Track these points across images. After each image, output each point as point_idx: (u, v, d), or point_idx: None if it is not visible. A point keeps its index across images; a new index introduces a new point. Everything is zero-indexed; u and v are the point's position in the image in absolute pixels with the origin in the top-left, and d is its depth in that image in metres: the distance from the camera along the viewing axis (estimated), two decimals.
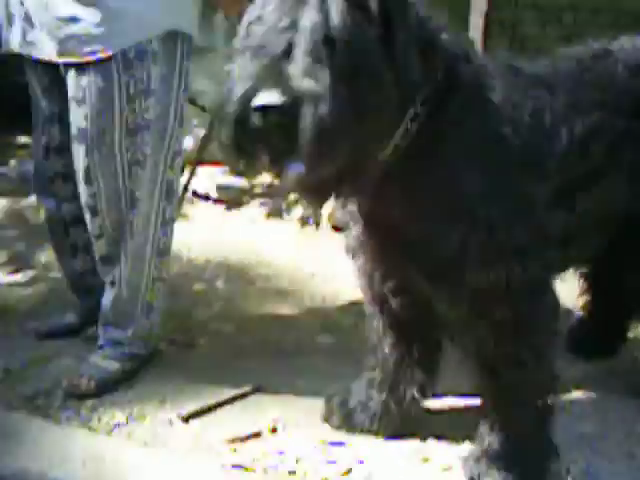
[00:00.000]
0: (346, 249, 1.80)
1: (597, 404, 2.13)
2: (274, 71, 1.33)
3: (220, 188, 3.63)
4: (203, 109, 4.30)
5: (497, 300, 1.64)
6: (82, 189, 2.09)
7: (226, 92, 1.39)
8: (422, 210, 1.59)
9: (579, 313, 2.45)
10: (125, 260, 2.13)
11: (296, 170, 1.34)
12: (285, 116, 1.30)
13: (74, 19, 1.91)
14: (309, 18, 1.35)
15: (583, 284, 2.34)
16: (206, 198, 3.63)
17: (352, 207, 1.68)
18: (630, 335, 2.36)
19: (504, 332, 1.67)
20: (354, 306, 2.23)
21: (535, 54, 1.86)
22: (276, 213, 3.50)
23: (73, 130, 2.03)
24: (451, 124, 1.56)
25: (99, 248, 2.16)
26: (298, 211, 3.40)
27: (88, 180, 2.06)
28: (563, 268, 1.88)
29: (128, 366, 2.19)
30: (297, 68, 1.32)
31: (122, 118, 1.98)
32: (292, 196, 3.42)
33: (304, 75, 1.31)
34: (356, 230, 1.71)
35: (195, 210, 3.58)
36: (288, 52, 1.34)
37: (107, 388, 2.13)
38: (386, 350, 1.94)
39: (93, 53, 1.93)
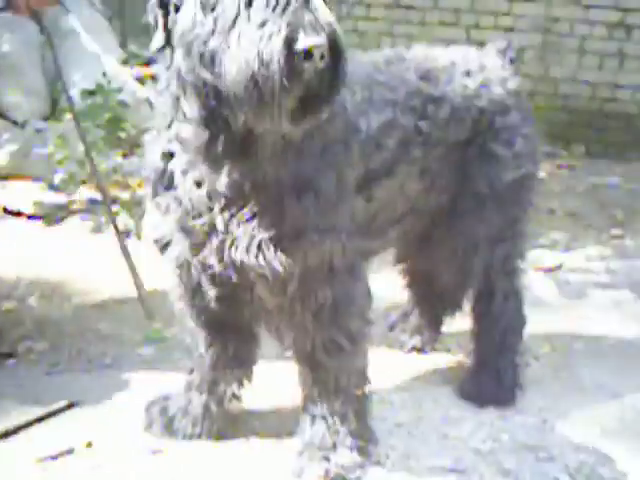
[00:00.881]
0: (155, 240, 1.72)
1: (414, 394, 2.20)
2: (307, 18, 1.35)
3: (36, 204, 3.42)
4: (15, 123, 4.08)
5: (319, 281, 1.66)
6: None
7: (250, 51, 1.33)
8: (279, 182, 1.58)
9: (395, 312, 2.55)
10: None
11: None
12: (324, 58, 1.35)
13: None
14: None
15: (403, 279, 2.44)
16: (18, 214, 3.41)
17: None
18: (444, 327, 2.49)
19: (323, 317, 1.69)
20: (177, 318, 2.17)
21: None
22: (97, 228, 3.36)
23: None
24: None
25: None
26: (119, 225, 3.27)
27: None
28: (368, 256, 1.94)
29: None
30: (324, 14, 1.38)
31: None
32: (114, 209, 3.29)
33: (330, 19, 1.39)
34: (175, 215, 1.63)
35: (5, 226, 3.35)
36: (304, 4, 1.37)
37: None
38: (202, 350, 1.90)
39: None
